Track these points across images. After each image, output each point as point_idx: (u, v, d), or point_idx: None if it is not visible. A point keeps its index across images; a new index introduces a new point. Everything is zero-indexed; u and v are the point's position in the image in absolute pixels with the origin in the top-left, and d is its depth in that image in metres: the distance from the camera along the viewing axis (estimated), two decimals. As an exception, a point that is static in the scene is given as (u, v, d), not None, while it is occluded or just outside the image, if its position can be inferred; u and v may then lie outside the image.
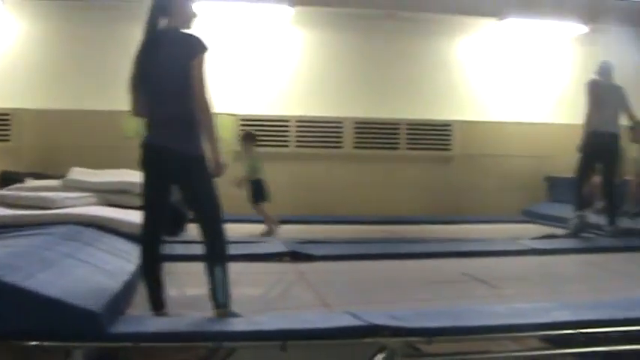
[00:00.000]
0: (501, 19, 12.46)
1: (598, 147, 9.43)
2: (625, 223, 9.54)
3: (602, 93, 9.52)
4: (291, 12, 11.53)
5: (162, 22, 4.89)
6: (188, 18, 4.95)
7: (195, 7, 5.00)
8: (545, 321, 4.48)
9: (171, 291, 5.14)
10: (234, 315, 4.68)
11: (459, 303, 5.42)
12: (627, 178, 10.26)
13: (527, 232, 9.94)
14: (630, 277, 6.86)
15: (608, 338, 4.65)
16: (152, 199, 4.92)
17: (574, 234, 9.37)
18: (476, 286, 6.20)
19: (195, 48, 4.75)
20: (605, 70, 9.75)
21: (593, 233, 9.50)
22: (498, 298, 5.62)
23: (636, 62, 12.64)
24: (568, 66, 13.11)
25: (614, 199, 9.51)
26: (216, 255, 4.75)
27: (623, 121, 9.67)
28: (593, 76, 9.73)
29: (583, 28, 12.82)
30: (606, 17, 12.89)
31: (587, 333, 4.47)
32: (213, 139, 4.76)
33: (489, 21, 12.56)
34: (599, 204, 10.10)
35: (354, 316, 4.46)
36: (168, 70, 4.76)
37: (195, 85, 4.69)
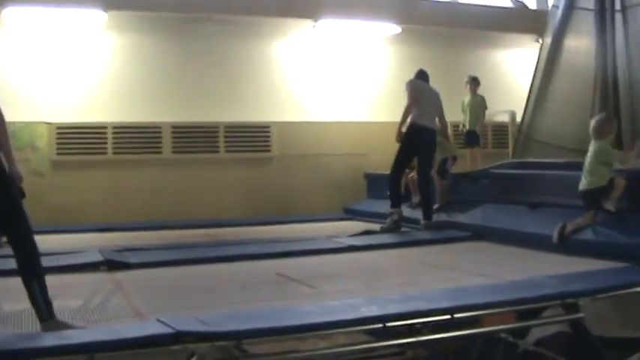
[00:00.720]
0: (317, 20, 12.62)
1: (418, 141, 9.69)
2: (406, 212, 9.98)
3: (422, 91, 9.83)
4: (104, 17, 11.31)
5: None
6: None
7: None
8: (352, 317, 4.54)
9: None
10: (67, 326, 4.54)
11: (273, 304, 5.42)
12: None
13: (347, 229, 10.10)
14: (442, 268, 7.07)
15: (417, 329, 4.84)
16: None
17: (391, 230, 9.59)
18: (291, 286, 6.22)
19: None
20: (423, 75, 10.05)
21: (410, 227, 9.75)
22: (312, 297, 5.65)
23: (446, 60, 13.13)
24: (383, 65, 13.44)
25: (428, 193, 9.79)
26: (31, 268, 4.58)
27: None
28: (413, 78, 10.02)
29: (396, 29, 13.15)
30: (418, 18, 13.31)
31: (392, 327, 4.56)
32: (7, 149, 4.59)
33: (305, 22, 12.70)
34: (415, 199, 10.40)
35: (163, 323, 4.39)
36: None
37: None
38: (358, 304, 4.89)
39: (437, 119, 10.01)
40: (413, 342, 4.93)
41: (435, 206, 10.13)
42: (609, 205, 7.45)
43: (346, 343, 4.81)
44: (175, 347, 4.20)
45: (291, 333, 4.37)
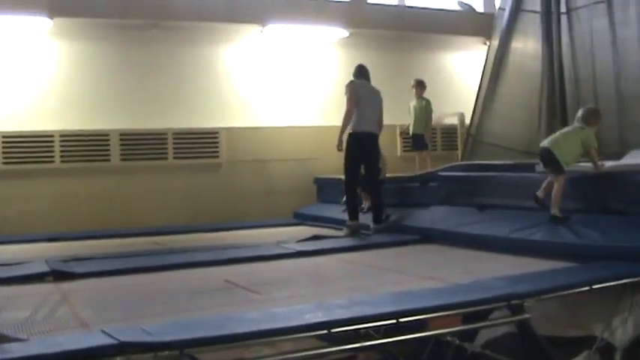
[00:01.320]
0: (264, 25, 12.59)
1: (362, 147, 9.66)
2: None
3: (362, 94, 9.74)
4: (49, 24, 11.18)
5: None
6: None
7: None
8: (297, 324, 4.50)
9: None
10: (8, 339, 4.45)
11: (219, 311, 5.37)
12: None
13: (297, 234, 10.09)
14: (390, 272, 7.07)
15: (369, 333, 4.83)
16: None
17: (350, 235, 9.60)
18: (238, 293, 6.16)
19: None
20: (362, 73, 9.98)
21: (362, 232, 9.77)
22: (259, 304, 5.60)
23: (395, 63, 13.16)
24: (332, 69, 13.45)
25: (378, 198, 9.79)
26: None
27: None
28: (352, 78, 9.96)
29: (344, 33, 13.16)
30: (365, 21, 13.34)
31: (337, 332, 4.53)
32: None
33: (253, 27, 12.67)
34: (365, 204, 10.42)
35: (107, 334, 4.32)
36: None
37: None
38: (304, 310, 4.85)
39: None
40: (358, 347, 4.92)
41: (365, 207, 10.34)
42: (555, 210, 7.53)
43: (293, 349, 4.78)
44: (118, 359, 4.14)
45: (235, 341, 4.32)
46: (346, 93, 9.73)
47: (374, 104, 9.89)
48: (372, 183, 9.85)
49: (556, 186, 7.60)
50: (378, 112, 9.98)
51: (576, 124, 7.86)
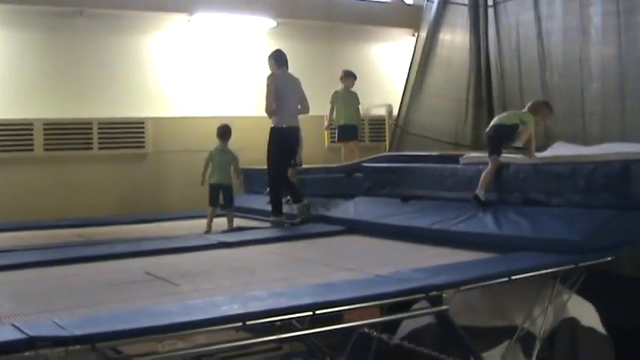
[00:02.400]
0: (192, 14, 12.48)
1: (287, 142, 9.66)
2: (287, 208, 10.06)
3: (283, 87, 9.65)
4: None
5: None
6: None
7: None
8: (212, 316, 4.45)
9: None
10: None
11: (137, 304, 5.28)
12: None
13: (222, 225, 10.04)
14: (311, 263, 7.04)
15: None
16: None
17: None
18: (158, 285, 6.07)
19: None
20: (283, 61, 9.87)
21: (287, 223, 9.75)
22: (178, 296, 5.53)
23: (324, 54, 13.14)
24: (261, 60, 13.32)
25: (276, 190, 9.80)
26: None
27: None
28: (273, 69, 9.84)
29: (272, 23, 13.11)
30: (294, 12, 13.30)
31: (254, 324, 4.50)
32: None
33: (180, 16, 12.55)
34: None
35: (17, 328, 4.21)
36: None
37: None
38: (221, 302, 4.79)
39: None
40: (278, 339, 4.90)
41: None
42: (480, 192, 7.61)
43: (209, 341, 4.72)
44: (28, 354, 4.03)
45: (148, 334, 4.25)
46: (267, 87, 9.64)
47: (295, 95, 9.84)
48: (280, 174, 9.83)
49: (488, 168, 7.73)
50: (300, 99, 9.93)
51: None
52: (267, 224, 9.86)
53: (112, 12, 12.18)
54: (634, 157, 6.84)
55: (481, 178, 7.75)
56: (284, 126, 9.58)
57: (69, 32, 12.07)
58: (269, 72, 9.80)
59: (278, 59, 9.82)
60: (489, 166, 7.72)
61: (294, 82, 9.85)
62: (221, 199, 10.16)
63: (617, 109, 10.24)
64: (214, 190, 10.17)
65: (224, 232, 9.26)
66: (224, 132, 10.43)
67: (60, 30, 12.02)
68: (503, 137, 7.80)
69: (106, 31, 12.32)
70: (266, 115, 9.64)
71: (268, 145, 9.73)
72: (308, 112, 10.10)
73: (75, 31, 12.08)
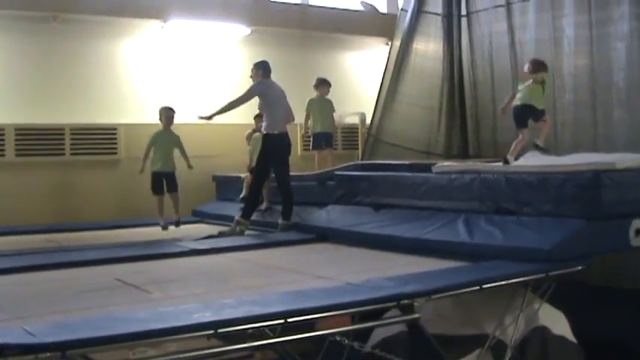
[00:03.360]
0: (165, 20, 12.45)
1: (283, 148, 9.71)
2: (259, 216, 10.20)
3: (274, 95, 9.71)
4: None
5: None
6: None
7: None
8: (184, 324, 4.43)
9: None
10: None
11: (108, 311, 5.25)
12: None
13: (195, 232, 10.05)
14: (283, 271, 7.03)
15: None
16: None
17: (235, 234, 9.56)
18: (129, 292, 6.05)
19: None
20: (269, 70, 9.88)
21: (267, 230, 9.82)
22: (149, 303, 5.52)
23: (298, 62, 13.14)
24: (235, 67, 13.36)
25: (289, 195, 9.76)
26: None
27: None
28: (260, 78, 9.82)
29: (246, 30, 13.10)
30: (268, 19, 13.30)
31: (225, 332, 4.49)
32: None
33: (153, 22, 12.51)
34: (264, 205, 10.41)
35: (-14, 336, 4.19)
36: None
37: None
38: (192, 309, 4.78)
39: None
40: (249, 347, 4.88)
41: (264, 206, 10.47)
42: (510, 157, 8.32)
43: (180, 349, 4.70)
44: (-5, 362, 4.00)
45: (119, 342, 4.22)
46: (248, 90, 9.72)
47: (283, 103, 9.89)
48: (283, 182, 9.81)
49: (519, 138, 8.39)
50: (287, 110, 10.01)
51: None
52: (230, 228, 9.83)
53: (86, 17, 12.09)
54: (605, 167, 6.92)
55: (512, 147, 8.35)
56: (276, 132, 9.61)
57: (42, 37, 11.98)
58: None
59: (267, 69, 9.86)
60: (521, 137, 8.39)
61: (282, 92, 9.90)
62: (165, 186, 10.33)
63: (589, 119, 10.32)
64: (158, 177, 10.23)
65: (196, 240, 9.17)
66: (168, 114, 10.61)
67: (33, 35, 11.93)
68: (530, 116, 8.45)
69: (80, 36, 12.24)
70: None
71: (260, 151, 9.82)
72: (293, 121, 10.26)
73: (48, 36, 11.98)
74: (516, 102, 8.52)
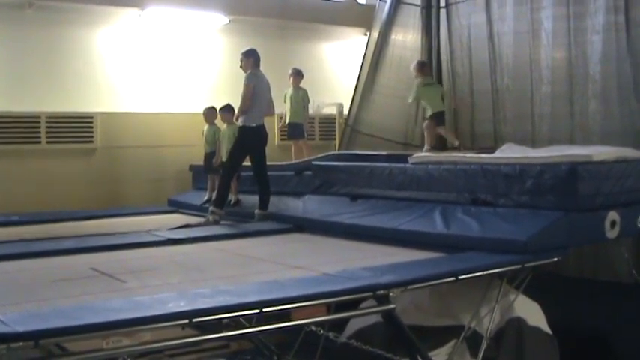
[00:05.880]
0: (143, 8, 12.37)
1: (260, 140, 9.69)
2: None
3: (261, 88, 9.66)
4: None
5: None
6: None
7: None
8: (159, 313, 4.41)
9: None
10: None
11: (82, 300, 5.22)
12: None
13: (170, 222, 10.01)
14: (259, 261, 7.01)
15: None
16: None
17: (213, 223, 9.53)
18: (103, 281, 6.01)
19: None
20: (259, 61, 9.80)
21: (243, 220, 9.79)
22: (123, 292, 5.48)
23: (276, 51, 13.09)
24: (213, 56, 13.32)
25: (266, 185, 9.74)
26: None
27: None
28: (250, 68, 9.72)
29: (224, 19, 13.05)
30: (247, 9, 13.26)
31: (200, 322, 4.48)
32: None
33: (131, 10, 12.44)
34: (233, 198, 10.41)
35: (-43, 325, 4.14)
36: None
37: None
38: (167, 299, 4.76)
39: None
40: (224, 336, 4.87)
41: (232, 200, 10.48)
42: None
43: (155, 338, 4.68)
44: (-34, 351, 3.96)
45: (92, 331, 4.18)
46: (246, 85, 9.58)
47: (266, 96, 9.88)
48: (260, 173, 9.77)
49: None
50: (269, 103, 10.07)
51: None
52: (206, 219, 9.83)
53: (62, 5, 12.01)
54: (581, 159, 6.95)
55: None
56: (253, 125, 9.57)
57: (17, 24, 11.88)
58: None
59: (257, 58, 9.79)
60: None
61: (267, 84, 9.86)
62: None
63: (566, 111, 10.36)
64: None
65: (172, 229, 9.13)
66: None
67: (8, 22, 11.84)
68: None
69: (56, 23, 12.15)
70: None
71: (235, 142, 9.80)
72: (273, 114, 10.43)
73: (23, 23, 11.89)
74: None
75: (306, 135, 12.09)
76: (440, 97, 11.09)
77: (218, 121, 11.09)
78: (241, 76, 9.71)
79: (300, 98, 11.84)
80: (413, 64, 10.80)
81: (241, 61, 9.81)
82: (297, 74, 11.91)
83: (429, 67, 10.39)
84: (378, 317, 6.48)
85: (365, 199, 8.77)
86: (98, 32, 12.56)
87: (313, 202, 9.43)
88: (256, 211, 9.73)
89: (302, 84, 12.01)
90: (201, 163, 11.44)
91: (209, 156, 11.13)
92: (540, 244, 6.39)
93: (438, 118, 10.91)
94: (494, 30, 11.61)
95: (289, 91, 11.83)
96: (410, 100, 10.23)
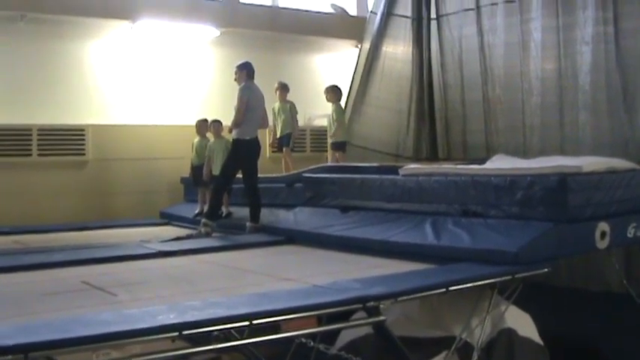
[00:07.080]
0: (134, 21, 12.38)
1: (250, 154, 9.67)
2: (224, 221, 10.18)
3: (254, 101, 9.66)
4: None
5: None
6: None
7: None
8: (148, 326, 4.40)
9: None
10: None
11: (72, 313, 5.20)
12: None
13: (162, 234, 10.03)
14: (250, 273, 7.02)
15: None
16: None
17: (204, 236, 9.53)
18: (94, 295, 6.00)
19: None
20: (253, 73, 9.81)
21: (235, 233, 9.78)
22: (113, 305, 5.47)
23: (268, 63, 13.08)
24: (205, 68, 13.33)
25: (257, 198, 9.74)
26: None
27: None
28: (244, 81, 9.72)
29: (215, 32, 13.07)
30: (238, 21, 13.27)
31: (190, 334, 4.47)
32: None
33: (122, 23, 12.44)
34: (225, 210, 10.40)
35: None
36: None
37: None
38: (157, 311, 4.75)
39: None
40: (214, 349, 4.87)
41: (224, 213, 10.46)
42: None
43: (144, 351, 4.67)
44: (-45, 364, 3.96)
45: (81, 344, 4.18)
46: (240, 98, 9.56)
47: (260, 108, 9.92)
48: (251, 185, 9.77)
49: None
50: (264, 115, 10.13)
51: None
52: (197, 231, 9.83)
53: (54, 17, 11.99)
54: (571, 170, 6.98)
55: None
56: (247, 138, 9.57)
57: (9, 37, 11.88)
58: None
59: (251, 71, 9.77)
60: None
61: (261, 97, 9.89)
62: None
63: (556, 122, 10.41)
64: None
65: (163, 241, 9.12)
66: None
67: (0, 34, 11.81)
68: None
69: (48, 36, 12.15)
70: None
71: (228, 155, 9.84)
72: (267, 126, 10.57)
73: (15, 35, 11.88)
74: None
75: (291, 144, 12.04)
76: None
77: (209, 134, 11.09)
78: (233, 88, 9.73)
79: (288, 110, 11.81)
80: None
81: (235, 73, 9.80)
82: (284, 88, 11.85)
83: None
84: (369, 329, 6.48)
85: (356, 210, 8.79)
86: (90, 45, 12.56)
87: (304, 214, 9.43)
88: (248, 224, 9.72)
89: (292, 96, 11.98)
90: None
91: (197, 168, 11.12)
92: (531, 254, 6.41)
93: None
94: (484, 41, 11.67)
95: (277, 105, 11.80)
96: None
